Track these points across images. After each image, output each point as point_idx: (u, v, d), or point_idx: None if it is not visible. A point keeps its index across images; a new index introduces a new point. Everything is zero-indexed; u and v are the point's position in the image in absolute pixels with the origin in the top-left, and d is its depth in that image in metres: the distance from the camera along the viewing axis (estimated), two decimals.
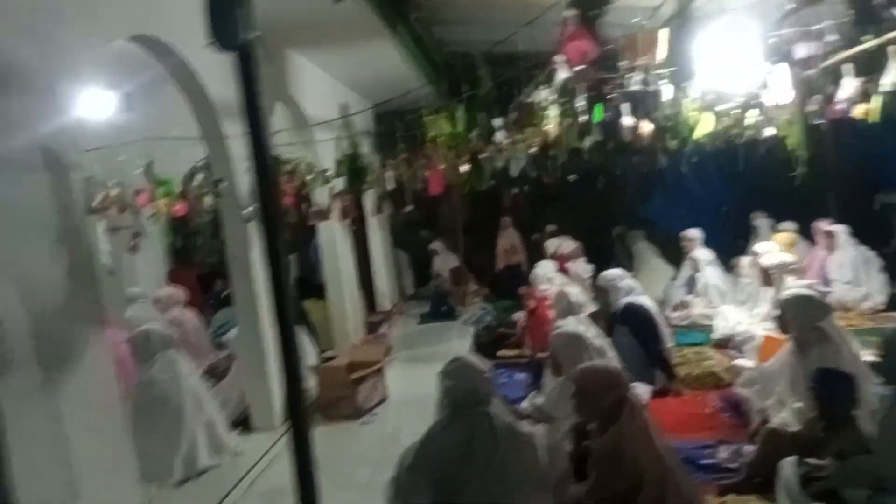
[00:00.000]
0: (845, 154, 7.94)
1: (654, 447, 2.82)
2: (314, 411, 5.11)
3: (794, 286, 4.13)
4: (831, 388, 3.07)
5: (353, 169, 5.56)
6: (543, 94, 4.65)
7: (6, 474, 2.24)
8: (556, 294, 4.75)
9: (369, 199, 6.46)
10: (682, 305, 6.61)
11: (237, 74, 1.85)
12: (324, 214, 4.91)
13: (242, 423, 4.65)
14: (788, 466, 2.98)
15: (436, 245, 9.49)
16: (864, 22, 3.95)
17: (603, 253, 8.29)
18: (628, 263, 8.68)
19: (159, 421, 3.87)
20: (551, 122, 4.57)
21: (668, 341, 4.92)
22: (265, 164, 2.00)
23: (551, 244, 7.68)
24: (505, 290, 8.58)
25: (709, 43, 4.08)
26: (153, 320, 4.83)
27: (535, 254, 9.20)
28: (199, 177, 4.14)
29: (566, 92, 3.92)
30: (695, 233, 7.23)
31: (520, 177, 6.41)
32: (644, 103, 4.67)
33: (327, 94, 6.62)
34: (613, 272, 5.23)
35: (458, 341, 6.97)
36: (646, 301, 4.94)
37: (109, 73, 4.05)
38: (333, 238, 6.46)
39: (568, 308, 4.52)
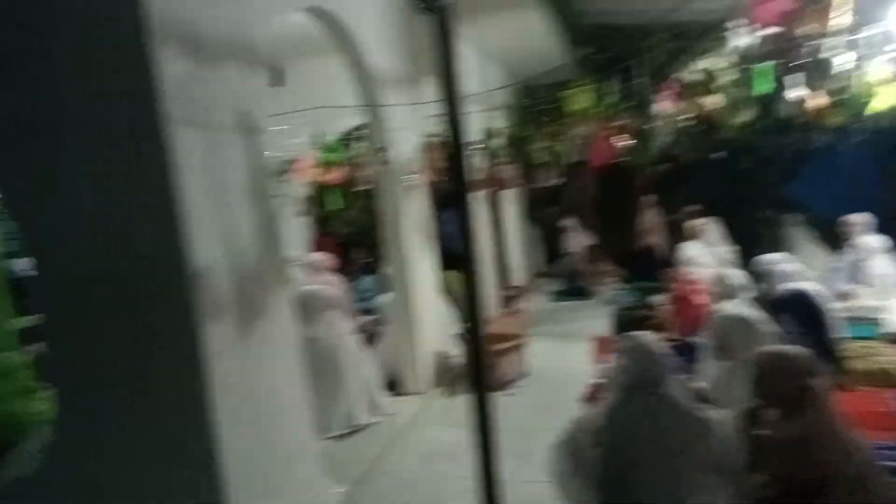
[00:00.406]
0: None
1: (842, 441, 2.62)
2: (462, 379, 5.22)
3: None
4: None
5: (516, 140, 5.55)
6: (707, 64, 4.42)
7: (211, 417, 2.45)
8: (714, 276, 4.51)
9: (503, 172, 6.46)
10: (846, 296, 6.08)
11: (435, 36, 1.87)
12: (484, 184, 4.92)
13: (391, 386, 4.83)
14: None
15: (568, 222, 9.33)
16: None
17: (746, 237, 7.82)
18: (776, 249, 8.13)
19: (322, 377, 4.08)
20: (714, 94, 4.33)
21: (837, 331, 4.54)
22: (458, 125, 2.03)
23: (694, 225, 7.30)
24: (642, 271, 8.34)
25: None
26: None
27: (673, 235, 8.86)
28: (360, 145, 4.26)
29: (746, 59, 3.66)
30: (860, 218, 6.61)
31: (659, 154, 6.18)
32: (819, 74, 4.30)
33: (472, 67, 6.62)
34: (773, 255, 4.88)
35: (594, 321, 6.84)
36: (812, 287, 4.58)
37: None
38: (473, 210, 6.49)
39: (728, 291, 4.28)
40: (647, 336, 2.76)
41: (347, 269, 8.22)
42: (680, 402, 2.45)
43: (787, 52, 3.76)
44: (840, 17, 4.02)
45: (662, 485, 2.34)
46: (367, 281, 8.27)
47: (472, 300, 2.14)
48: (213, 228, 2.50)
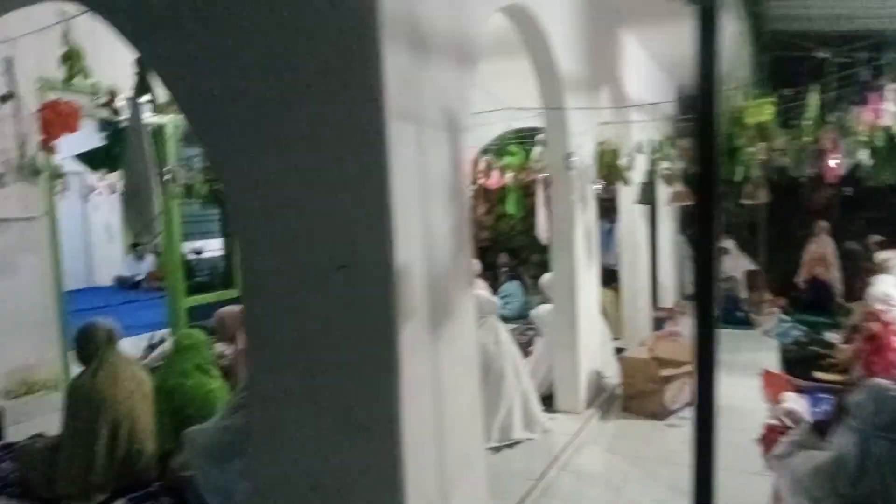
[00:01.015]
0: None
1: None
2: (615, 401, 4.95)
3: None
4: None
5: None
6: None
7: (398, 415, 2.38)
8: None
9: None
10: None
11: (698, 31, 1.66)
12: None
13: (543, 402, 4.63)
14: None
15: (727, 243, 8.71)
16: None
17: None
18: None
19: (482, 386, 3.97)
20: None
21: None
22: (711, 130, 1.80)
23: (883, 257, 6.54)
24: (808, 303, 7.64)
25: None
26: None
27: (848, 266, 8.04)
28: (538, 150, 4.12)
29: None
30: None
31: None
32: None
33: (645, 74, 6.32)
34: None
35: (758, 353, 6.31)
36: None
37: None
38: (634, 225, 6.18)
39: None
40: (886, 382, 2.46)
41: (488, 274, 8.18)
42: None
43: None
44: None
45: None
46: (510, 287, 8.16)
47: (706, 334, 1.89)
48: (415, 227, 2.44)
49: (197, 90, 2.51)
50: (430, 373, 2.58)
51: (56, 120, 3.52)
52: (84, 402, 3.45)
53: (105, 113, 3.75)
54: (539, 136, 4.29)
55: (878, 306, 5.46)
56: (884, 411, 2.22)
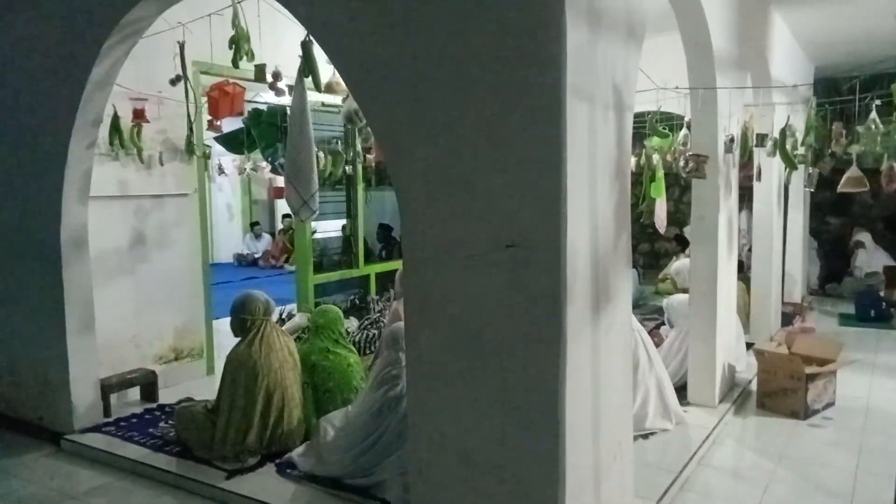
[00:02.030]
0: None
1: None
2: (749, 396, 4.74)
3: None
4: None
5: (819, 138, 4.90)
6: None
7: (563, 388, 2.37)
8: None
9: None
10: None
11: None
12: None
13: (677, 393, 4.49)
14: None
15: (863, 237, 8.13)
16: None
17: None
18: None
19: None
20: None
21: None
22: None
23: None
24: None
25: None
26: None
27: None
28: (683, 132, 3.97)
29: None
30: None
31: None
32: None
33: (788, 55, 5.95)
34: None
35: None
36: None
37: None
38: (770, 213, 5.87)
39: None
40: None
41: None
42: None
43: None
44: None
45: None
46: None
47: None
48: (583, 207, 2.41)
49: (367, 66, 2.57)
50: (590, 357, 2.55)
51: (223, 100, 3.72)
52: (243, 370, 3.65)
53: (269, 93, 3.92)
54: (686, 119, 4.12)
55: None
56: None
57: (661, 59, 4.18)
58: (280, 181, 5.11)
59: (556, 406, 2.34)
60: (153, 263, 4.95)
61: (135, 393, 4.75)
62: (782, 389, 4.40)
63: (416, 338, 2.64)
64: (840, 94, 5.86)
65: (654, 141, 4.25)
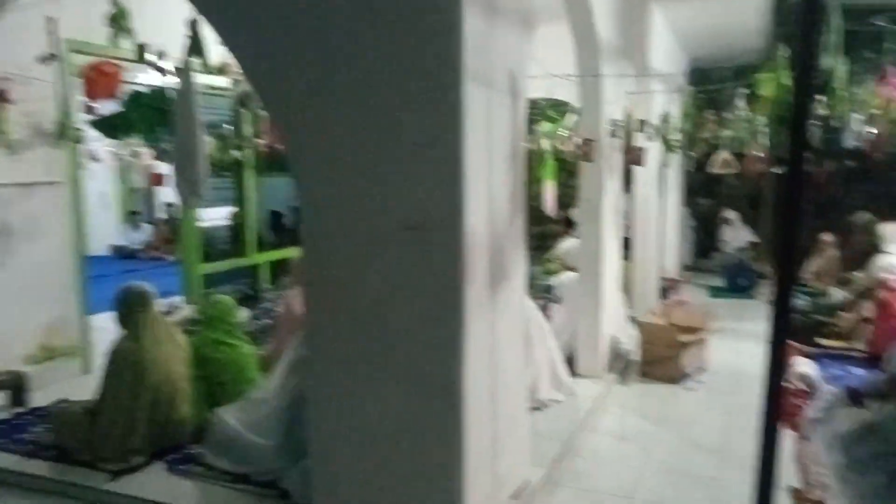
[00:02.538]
0: None
1: None
2: (633, 366, 5.06)
3: None
4: None
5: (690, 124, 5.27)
6: None
7: (463, 365, 2.44)
8: None
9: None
10: None
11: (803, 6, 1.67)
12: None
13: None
14: None
15: (730, 215, 8.85)
16: None
17: None
18: None
19: None
20: None
21: None
22: (805, 105, 1.83)
23: (891, 230, 6.71)
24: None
25: None
26: None
27: (847, 239, 8.19)
28: (571, 117, 4.14)
29: None
30: None
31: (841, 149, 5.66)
32: None
33: (662, 45, 6.33)
34: None
35: (758, 321, 6.47)
36: None
37: None
38: (648, 196, 6.26)
39: None
40: None
41: None
42: None
43: None
44: None
45: None
46: None
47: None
48: (481, 190, 2.47)
49: (261, 48, 2.50)
50: (488, 334, 2.64)
51: (101, 81, 3.46)
52: (127, 366, 3.46)
53: (152, 74, 3.69)
54: (572, 105, 4.31)
55: (886, 276, 5.63)
56: None
57: (552, 48, 4.33)
58: (160, 168, 4.86)
59: (456, 384, 2.41)
60: (20, 256, 4.57)
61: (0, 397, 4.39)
62: (661, 357, 4.74)
63: (315, 323, 2.62)
64: (711, 83, 6.34)
65: (545, 126, 4.42)
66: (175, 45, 3.32)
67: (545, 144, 4.19)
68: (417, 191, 2.36)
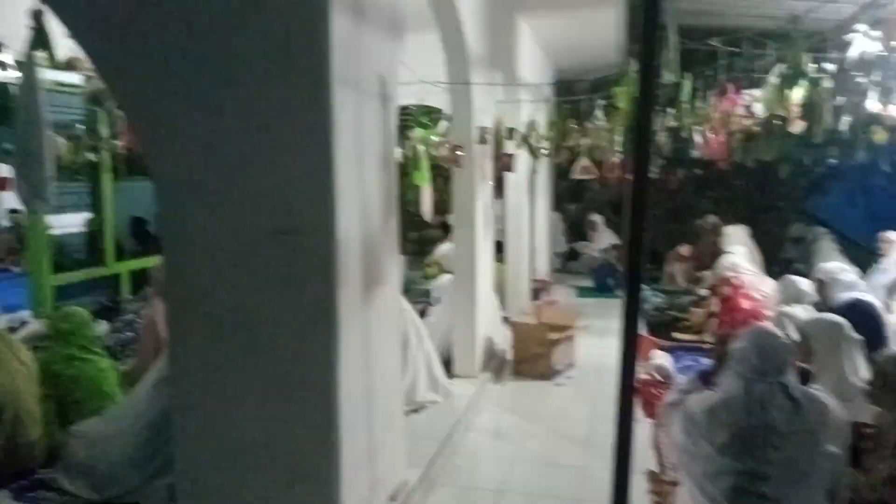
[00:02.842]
0: None
1: None
2: (506, 365, 5.23)
3: None
4: None
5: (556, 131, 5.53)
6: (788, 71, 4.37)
7: (337, 369, 2.42)
8: (782, 281, 4.57)
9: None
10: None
11: (644, 17, 1.83)
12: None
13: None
14: None
15: (595, 218, 9.39)
16: None
17: (769, 248, 7.88)
18: (805, 262, 8.26)
19: None
20: (793, 100, 4.31)
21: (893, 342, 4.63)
22: (647, 116, 1.99)
23: (733, 231, 7.43)
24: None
25: None
26: None
27: (698, 240, 8.93)
28: (442, 124, 4.24)
29: (862, 67, 3.65)
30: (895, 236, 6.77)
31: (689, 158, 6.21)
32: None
33: (532, 57, 6.63)
34: (834, 264, 5.00)
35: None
36: (872, 299, 4.67)
37: None
38: (520, 200, 6.51)
39: (796, 296, 4.35)
40: (769, 327, 2.79)
41: None
42: (799, 387, 2.45)
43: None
44: None
45: (786, 462, 2.32)
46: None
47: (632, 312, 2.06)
48: (352, 193, 2.47)
49: (115, 42, 2.35)
50: (362, 338, 2.65)
51: None
52: None
53: None
54: (445, 113, 4.41)
55: (729, 274, 6.21)
56: (762, 356, 2.49)
57: (425, 55, 4.40)
58: (2, 170, 4.45)
59: (330, 388, 2.39)
60: None
61: None
62: (532, 355, 4.94)
63: (179, 333, 2.50)
64: (574, 94, 6.70)
65: (419, 132, 4.49)
66: (17, 37, 3.05)
67: (420, 150, 4.25)
68: (287, 195, 2.32)
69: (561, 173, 8.90)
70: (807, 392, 2.42)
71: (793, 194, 9.58)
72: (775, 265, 8.09)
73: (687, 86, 4.59)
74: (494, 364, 5.14)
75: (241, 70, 2.27)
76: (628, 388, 2.22)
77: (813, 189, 9.60)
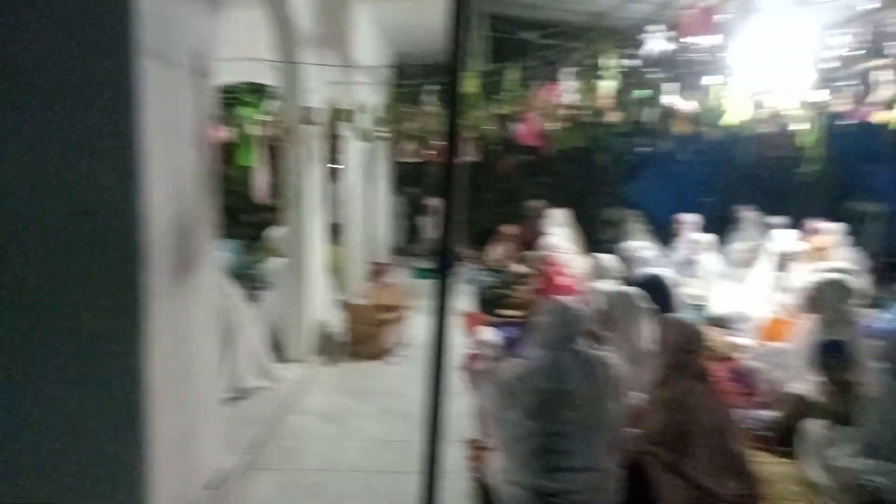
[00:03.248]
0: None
1: (713, 402, 3.11)
2: (341, 347, 5.26)
3: (825, 270, 4.44)
4: (836, 357, 3.46)
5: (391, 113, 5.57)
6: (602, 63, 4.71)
7: (145, 356, 2.32)
8: (590, 260, 5.00)
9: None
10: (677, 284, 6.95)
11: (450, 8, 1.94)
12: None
13: (275, 352, 4.74)
14: (815, 428, 3.33)
15: (433, 201, 9.62)
16: None
17: (591, 227, 8.56)
18: (619, 242, 9.06)
19: None
20: (603, 92, 4.67)
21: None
22: (456, 99, 2.11)
23: (554, 214, 7.95)
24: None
25: (763, 32, 4.10)
26: None
27: (526, 223, 9.46)
28: (273, 103, 4.12)
29: (659, 63, 4.03)
30: (691, 217, 7.67)
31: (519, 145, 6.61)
32: (690, 84, 4.85)
33: (368, 39, 6.61)
34: (636, 242, 5.57)
35: (460, 296, 7.20)
36: (665, 272, 5.26)
37: None
38: (354, 183, 6.51)
39: (601, 272, 4.79)
40: (568, 300, 3.05)
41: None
42: (592, 353, 2.72)
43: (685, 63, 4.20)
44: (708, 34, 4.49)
45: (578, 420, 2.56)
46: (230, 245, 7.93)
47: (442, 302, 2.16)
48: (162, 172, 2.36)
49: None
50: (173, 323, 2.55)
51: None
52: None
53: None
54: (272, 91, 4.28)
55: (549, 254, 6.69)
56: (557, 327, 2.72)
57: (251, 31, 4.24)
58: None
59: (136, 375, 2.30)
60: None
61: None
62: (366, 336, 5.01)
63: None
64: (411, 78, 6.79)
65: (244, 111, 4.33)
66: None
67: (250, 130, 4.11)
68: (86, 173, 2.17)
69: (396, 157, 9.00)
70: (595, 356, 2.69)
71: (609, 180, 10.45)
72: (593, 245, 8.83)
73: (513, 75, 4.84)
74: (329, 347, 5.15)
75: (39, 42, 2.08)
76: (439, 362, 2.35)
77: (625, 175, 10.56)
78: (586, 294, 5.81)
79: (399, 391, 4.52)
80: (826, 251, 5.95)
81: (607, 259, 5.01)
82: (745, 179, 8.91)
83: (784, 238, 6.43)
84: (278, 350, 4.69)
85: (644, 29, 4.21)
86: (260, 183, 4.77)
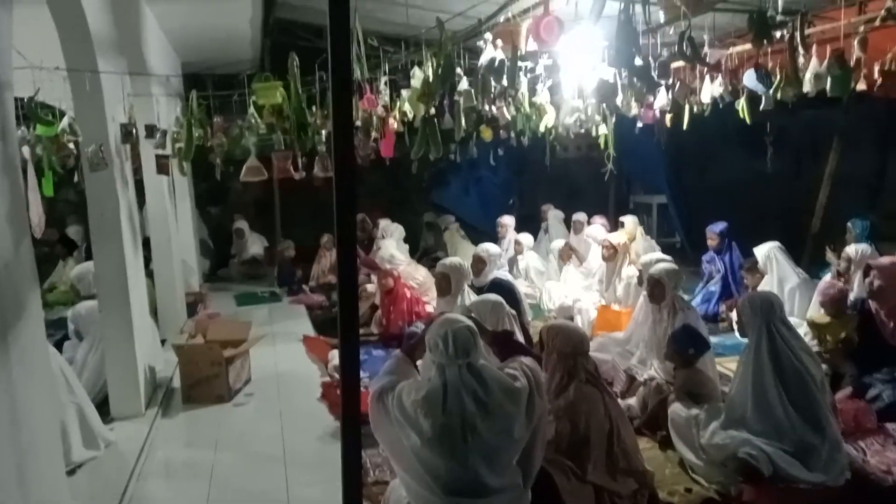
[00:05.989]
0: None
1: (605, 403, 3.19)
2: (174, 394, 4.64)
3: (657, 260, 4.78)
4: (689, 342, 3.78)
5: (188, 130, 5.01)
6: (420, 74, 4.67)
7: None
8: (450, 265, 4.92)
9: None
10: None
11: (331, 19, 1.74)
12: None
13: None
14: (680, 411, 3.55)
15: (241, 224, 8.97)
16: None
17: (409, 237, 8.52)
18: (438, 246, 9.19)
19: None
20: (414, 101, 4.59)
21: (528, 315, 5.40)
22: (347, 113, 1.90)
23: (385, 225, 7.89)
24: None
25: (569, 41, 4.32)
26: None
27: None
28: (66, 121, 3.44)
29: (492, 71, 4.04)
30: (509, 219, 8.04)
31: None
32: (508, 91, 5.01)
33: (156, 46, 5.91)
34: (495, 247, 5.72)
35: (292, 321, 6.78)
36: (510, 276, 5.39)
37: None
38: (164, 205, 5.81)
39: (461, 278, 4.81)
40: (457, 315, 2.89)
41: None
42: (490, 369, 2.57)
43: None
44: (518, 44, 4.64)
45: (489, 440, 2.41)
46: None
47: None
48: None
49: None
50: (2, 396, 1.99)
51: None
52: None
53: None
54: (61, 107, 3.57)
55: (388, 266, 6.54)
56: (446, 343, 2.53)
57: (38, 35, 3.49)
58: None
59: None
60: None
61: None
62: (205, 378, 4.46)
63: None
64: (206, 89, 6.18)
65: (39, 129, 3.57)
66: None
67: (38, 151, 3.39)
68: None
69: (199, 174, 8.18)
70: (492, 370, 2.53)
71: (420, 186, 10.58)
72: (416, 253, 8.82)
73: (322, 87, 4.61)
74: (160, 396, 4.50)
75: None
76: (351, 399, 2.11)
77: (436, 181, 10.74)
78: (430, 304, 5.77)
79: (255, 432, 4.07)
80: (630, 242, 6.51)
81: (464, 265, 4.94)
82: (546, 181, 9.53)
83: (594, 232, 6.93)
84: (102, 409, 3.98)
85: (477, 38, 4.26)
86: (35, 214, 3.96)
